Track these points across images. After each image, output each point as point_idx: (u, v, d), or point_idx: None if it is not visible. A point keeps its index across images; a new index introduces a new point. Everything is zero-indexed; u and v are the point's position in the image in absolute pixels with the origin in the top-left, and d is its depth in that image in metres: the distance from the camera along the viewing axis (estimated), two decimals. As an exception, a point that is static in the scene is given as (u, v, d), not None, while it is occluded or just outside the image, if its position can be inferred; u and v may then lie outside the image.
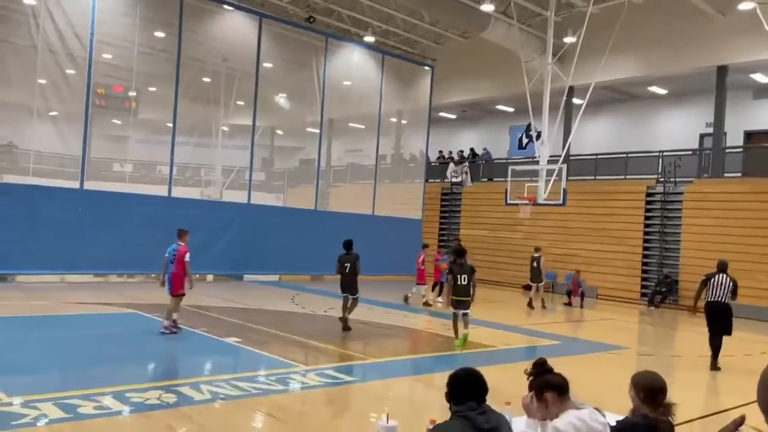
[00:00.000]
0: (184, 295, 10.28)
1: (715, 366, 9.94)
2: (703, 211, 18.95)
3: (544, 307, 17.15)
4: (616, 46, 17.50)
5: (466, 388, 3.01)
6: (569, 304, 18.49)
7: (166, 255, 10.30)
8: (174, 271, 10.17)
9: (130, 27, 17.84)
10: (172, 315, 10.17)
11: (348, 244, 11.78)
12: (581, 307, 18.01)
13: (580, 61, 17.36)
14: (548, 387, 3.16)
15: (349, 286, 11.59)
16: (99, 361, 8.32)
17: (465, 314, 10.62)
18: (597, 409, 3.22)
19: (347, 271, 11.57)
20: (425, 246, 17.90)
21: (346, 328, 11.36)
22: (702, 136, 22.61)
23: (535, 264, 17.40)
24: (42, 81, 16.54)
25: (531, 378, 3.26)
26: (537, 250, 17.84)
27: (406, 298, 16.09)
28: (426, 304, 15.96)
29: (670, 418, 3.37)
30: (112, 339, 10.00)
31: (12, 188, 15.94)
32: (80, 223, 16.19)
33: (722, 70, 19.45)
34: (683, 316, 17.96)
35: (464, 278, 10.58)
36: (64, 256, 15.97)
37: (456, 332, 10.65)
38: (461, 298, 10.58)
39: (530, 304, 17.08)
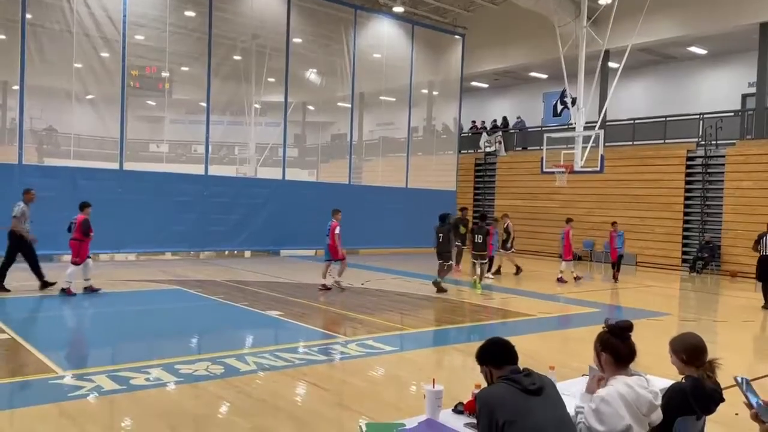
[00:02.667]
0: (342, 259, 12.67)
1: None
2: (746, 174, 18.44)
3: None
4: (653, 5, 16.95)
5: (501, 353, 3.06)
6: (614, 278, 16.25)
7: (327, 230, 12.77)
8: (329, 242, 12.60)
9: (161, 7, 18.01)
10: (341, 274, 12.71)
11: (441, 217, 13.46)
12: (615, 279, 16.13)
13: (616, 23, 16.87)
14: (612, 351, 3.14)
15: (441, 253, 13.22)
16: (147, 335, 8.59)
17: (482, 264, 14.09)
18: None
19: (440, 240, 13.16)
20: (570, 220, 16.59)
21: (440, 290, 12.86)
22: (744, 97, 21.90)
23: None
24: (78, 65, 16.84)
25: (605, 330, 3.21)
26: (496, 220, 17.38)
27: (560, 278, 15.61)
28: (577, 278, 15.61)
29: (714, 375, 3.33)
30: (159, 314, 10.32)
31: (55, 171, 16.37)
32: (121, 203, 16.58)
33: (765, 27, 18.72)
34: (726, 281, 17.64)
35: (480, 237, 14.13)
36: (107, 235, 16.35)
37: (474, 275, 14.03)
38: (477, 252, 14.14)
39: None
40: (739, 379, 2.69)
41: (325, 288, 12.49)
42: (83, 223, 11.13)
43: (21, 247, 11.11)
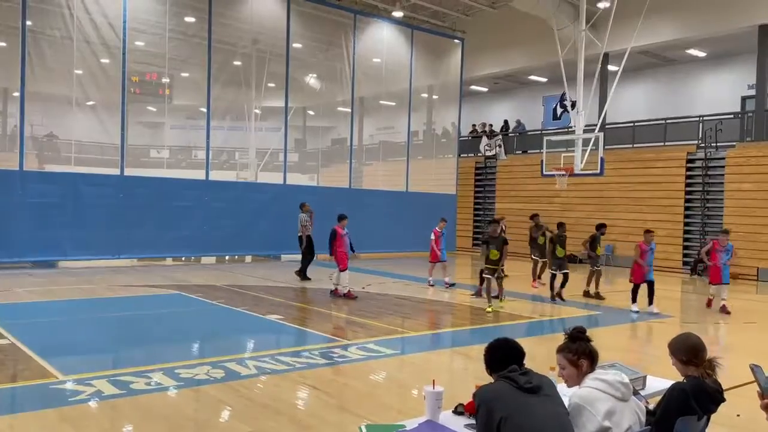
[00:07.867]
0: (437, 261, 14.55)
1: None
2: (746, 176, 18.44)
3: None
4: (651, 8, 16.99)
5: (504, 355, 3.12)
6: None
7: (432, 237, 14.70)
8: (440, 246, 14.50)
9: (161, 13, 18.06)
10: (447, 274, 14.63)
11: (560, 224, 14.52)
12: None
13: (615, 26, 16.91)
14: (586, 355, 3.26)
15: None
16: (147, 339, 8.59)
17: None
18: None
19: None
20: (726, 232, 12.88)
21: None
22: (744, 99, 21.92)
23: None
24: (79, 71, 16.89)
25: (568, 341, 3.34)
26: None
27: (709, 302, 12.79)
28: (724, 309, 12.16)
29: (714, 373, 3.33)
30: (159, 319, 10.31)
31: (56, 177, 16.40)
32: (122, 209, 16.62)
33: (764, 29, 18.76)
34: (727, 283, 17.57)
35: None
36: (109, 241, 16.45)
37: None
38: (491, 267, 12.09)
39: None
40: (755, 367, 2.67)
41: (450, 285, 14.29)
42: (330, 233, 12.81)
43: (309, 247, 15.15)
